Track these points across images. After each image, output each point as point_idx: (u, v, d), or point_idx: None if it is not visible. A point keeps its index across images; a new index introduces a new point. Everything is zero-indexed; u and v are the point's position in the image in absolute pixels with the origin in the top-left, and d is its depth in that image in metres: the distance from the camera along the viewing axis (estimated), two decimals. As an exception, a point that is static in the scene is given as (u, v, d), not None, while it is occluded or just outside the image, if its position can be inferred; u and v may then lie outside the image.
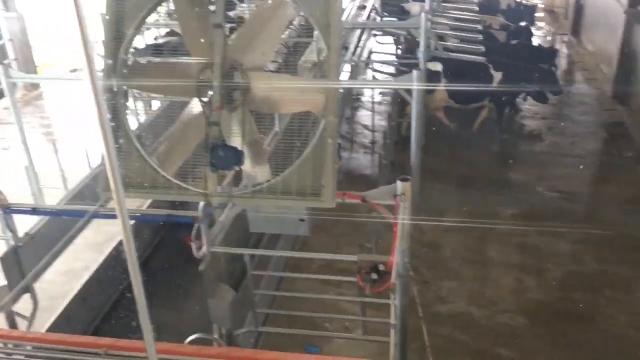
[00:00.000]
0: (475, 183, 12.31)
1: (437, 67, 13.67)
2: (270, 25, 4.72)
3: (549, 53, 15.10)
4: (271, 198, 4.76)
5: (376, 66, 15.15)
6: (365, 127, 14.70)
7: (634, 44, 14.87)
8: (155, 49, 8.73)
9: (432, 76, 13.49)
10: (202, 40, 4.72)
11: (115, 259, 8.05)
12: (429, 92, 13.47)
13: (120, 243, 6.41)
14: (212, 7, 4.95)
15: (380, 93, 15.97)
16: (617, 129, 14.24)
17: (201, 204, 5.75)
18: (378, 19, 20.45)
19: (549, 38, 21.16)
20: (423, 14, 11.68)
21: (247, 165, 4.79)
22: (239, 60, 4.69)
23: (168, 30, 10.70)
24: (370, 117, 14.48)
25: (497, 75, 13.58)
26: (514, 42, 15.94)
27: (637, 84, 14.47)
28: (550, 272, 9.67)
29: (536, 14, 20.48)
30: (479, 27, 14.81)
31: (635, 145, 13.37)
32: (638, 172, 12.34)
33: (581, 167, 12.84)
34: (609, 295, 9.12)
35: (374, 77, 14.99)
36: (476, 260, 10.00)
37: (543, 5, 23.47)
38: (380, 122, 14.92)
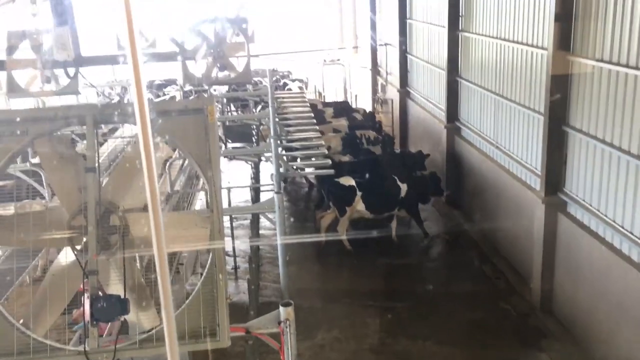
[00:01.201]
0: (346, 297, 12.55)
1: (351, 181, 14.48)
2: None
3: (421, 158, 16.67)
4: (162, 346, 4.40)
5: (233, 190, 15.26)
6: (226, 253, 14.47)
7: (457, 153, 16.74)
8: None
9: (347, 190, 14.19)
10: (72, 184, 4.46)
11: None
12: (343, 209, 14.11)
13: None
14: (79, 149, 4.75)
15: (235, 219, 15.99)
16: (456, 229, 15.57)
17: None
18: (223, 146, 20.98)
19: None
20: (272, 140, 12.25)
21: (131, 313, 4.42)
22: (115, 203, 4.47)
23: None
24: (230, 242, 14.31)
25: (403, 187, 14.72)
26: (396, 152, 17.50)
27: (463, 187, 16.14)
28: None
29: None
30: (325, 150, 15.79)
31: (471, 242, 14.66)
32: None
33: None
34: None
35: (229, 202, 15.03)
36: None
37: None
38: (239, 246, 14.83)
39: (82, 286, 4.27)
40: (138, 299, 4.50)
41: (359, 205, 14.48)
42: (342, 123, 20.38)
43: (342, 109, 22.81)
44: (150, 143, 2.19)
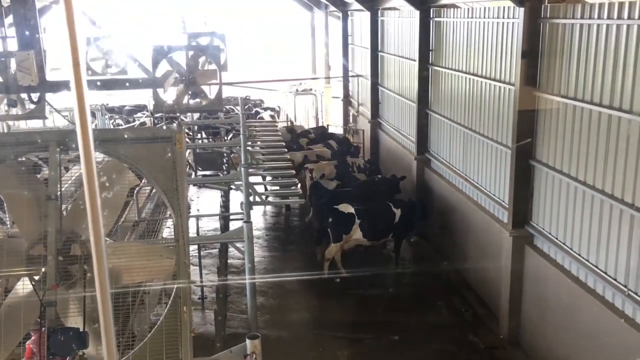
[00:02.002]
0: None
1: (350, 209, 14.48)
2: (110, 192, 4.50)
3: (397, 182, 16.91)
4: (121, 381, 4.24)
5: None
6: (193, 282, 14.21)
7: (426, 184, 16.87)
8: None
9: (346, 218, 14.24)
10: (32, 212, 4.32)
11: None
12: (339, 236, 14.26)
13: None
14: (40, 176, 4.62)
15: (204, 247, 15.76)
16: (425, 260, 15.59)
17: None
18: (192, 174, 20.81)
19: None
20: (242, 168, 12.19)
21: (90, 347, 4.26)
22: (76, 232, 4.34)
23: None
24: (198, 271, 14.05)
25: (397, 212, 14.83)
26: (377, 178, 17.78)
27: (432, 219, 16.21)
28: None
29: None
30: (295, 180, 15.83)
31: (440, 274, 14.68)
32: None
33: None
34: None
35: (197, 231, 14.82)
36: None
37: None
38: (207, 275, 14.59)
39: (38, 319, 4.10)
40: (98, 332, 4.34)
41: (356, 234, 14.50)
42: (324, 149, 20.63)
43: (321, 134, 23.22)
44: (93, 167, 2.13)
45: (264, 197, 12.90)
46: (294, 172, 16.03)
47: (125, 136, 4.45)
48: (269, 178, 15.58)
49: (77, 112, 2.10)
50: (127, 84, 7.29)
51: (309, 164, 18.63)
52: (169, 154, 4.46)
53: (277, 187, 14.61)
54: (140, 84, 7.36)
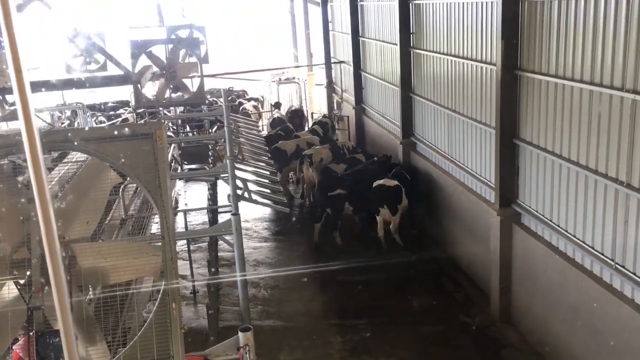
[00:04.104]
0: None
1: (393, 182, 15.13)
2: (92, 192, 4.45)
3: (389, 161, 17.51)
4: (113, 381, 4.22)
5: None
6: (183, 277, 14.18)
7: (413, 168, 16.90)
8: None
9: (394, 190, 15.04)
10: (13, 216, 4.27)
11: None
12: (395, 208, 15.06)
13: None
14: (22, 179, 4.56)
15: (194, 241, 15.72)
16: (413, 243, 15.66)
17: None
18: (179, 168, 20.71)
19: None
20: (228, 160, 12.12)
21: (80, 349, 4.23)
22: (60, 233, 4.28)
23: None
24: (188, 266, 14.02)
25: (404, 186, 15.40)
26: (375, 159, 18.10)
27: (420, 202, 16.27)
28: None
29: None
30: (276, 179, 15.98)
31: (429, 256, 14.78)
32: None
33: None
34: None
35: (186, 225, 14.77)
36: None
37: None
38: (198, 269, 14.57)
39: (25, 322, 4.06)
40: (87, 334, 4.32)
41: (404, 203, 15.18)
42: (312, 136, 20.89)
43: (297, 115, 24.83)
44: (42, 172, 2.10)
45: (246, 194, 12.83)
46: (278, 179, 16.14)
47: (104, 134, 4.39)
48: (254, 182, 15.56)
49: (22, 118, 2.06)
50: (104, 82, 7.20)
51: (306, 151, 18.70)
52: (150, 151, 4.41)
53: (265, 190, 14.51)
54: (116, 80, 7.27)
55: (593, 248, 8.98)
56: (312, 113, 29.76)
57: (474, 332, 11.53)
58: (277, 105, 27.88)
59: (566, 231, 9.66)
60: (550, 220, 10.10)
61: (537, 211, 10.54)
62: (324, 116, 25.13)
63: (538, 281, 10.45)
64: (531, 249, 10.63)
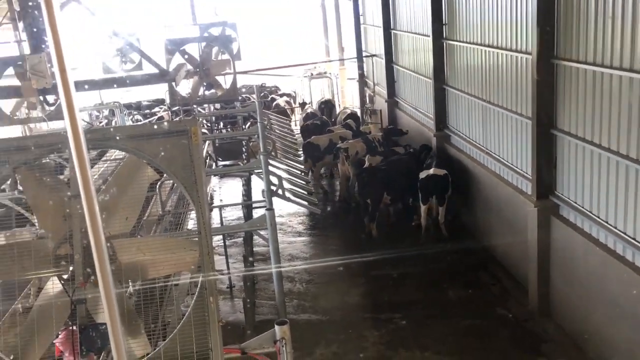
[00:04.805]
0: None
1: (442, 171, 15.21)
2: (131, 189, 4.55)
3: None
4: (154, 373, 4.32)
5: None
6: (220, 272, 14.36)
7: (447, 158, 16.71)
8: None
9: (443, 179, 15.11)
10: (56, 212, 4.39)
11: None
12: (443, 198, 15.17)
13: None
14: (63, 176, 4.69)
15: (230, 236, 15.90)
16: (449, 236, 15.52)
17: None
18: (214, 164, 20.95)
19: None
20: (262, 156, 12.21)
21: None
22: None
23: None
24: (224, 261, 14.20)
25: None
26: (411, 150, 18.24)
27: (455, 194, 16.11)
28: None
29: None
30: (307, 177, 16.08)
31: (465, 248, 14.63)
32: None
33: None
34: None
35: (221, 221, 14.95)
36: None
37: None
38: (234, 264, 14.74)
39: (69, 316, 4.19)
40: (128, 327, 4.43)
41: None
42: (345, 130, 20.95)
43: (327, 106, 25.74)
44: (87, 170, 2.16)
45: (280, 191, 12.90)
46: (309, 179, 16.19)
47: (141, 132, 4.48)
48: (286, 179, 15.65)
49: (67, 117, 2.12)
50: (141, 81, 7.33)
51: (341, 144, 18.74)
52: (186, 147, 4.48)
53: (298, 189, 14.56)
54: (152, 79, 7.40)
55: (635, 239, 8.76)
56: (344, 107, 29.74)
57: (512, 325, 11.39)
58: (303, 106, 28.00)
59: (607, 222, 9.44)
60: (590, 212, 9.89)
61: (576, 202, 10.33)
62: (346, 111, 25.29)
63: (577, 273, 10.25)
64: (570, 240, 10.42)
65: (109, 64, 12.20)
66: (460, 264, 14.02)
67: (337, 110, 27.32)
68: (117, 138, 4.51)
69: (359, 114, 25.43)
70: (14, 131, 13.55)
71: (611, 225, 9.32)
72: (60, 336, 4.34)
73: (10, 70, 9.02)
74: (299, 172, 15.63)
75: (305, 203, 13.72)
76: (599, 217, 9.65)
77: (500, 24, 12.73)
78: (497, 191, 13.55)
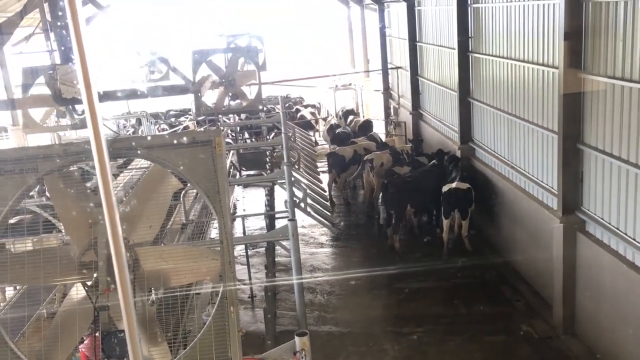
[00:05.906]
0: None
1: (466, 185, 15.10)
2: (155, 197, 4.60)
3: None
4: (174, 381, 4.34)
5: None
6: (241, 281, 14.41)
7: (471, 172, 16.58)
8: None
9: (465, 194, 14.97)
10: (81, 220, 4.46)
11: None
12: (466, 211, 15.05)
13: None
14: (89, 184, 4.77)
15: (252, 246, 15.95)
16: (473, 250, 15.36)
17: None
18: (237, 174, 21.09)
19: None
20: (285, 166, 12.26)
21: (143, 349, 4.37)
22: (125, 237, 4.45)
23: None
24: (246, 270, 14.23)
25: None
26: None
27: (479, 208, 15.96)
28: None
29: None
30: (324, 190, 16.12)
31: (489, 263, 14.45)
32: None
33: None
34: None
35: (244, 230, 15.02)
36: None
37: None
38: (256, 274, 14.77)
39: (91, 323, 4.24)
40: (149, 334, 4.46)
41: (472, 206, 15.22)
42: (369, 142, 21.03)
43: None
44: (109, 180, 2.20)
45: (302, 204, 12.93)
46: (328, 200, 16.20)
47: (165, 142, 4.53)
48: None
49: (91, 129, 2.16)
50: (167, 91, 7.44)
51: (367, 156, 18.74)
52: (209, 157, 4.52)
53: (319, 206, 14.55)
54: (178, 90, 7.51)
55: (664, 257, 8.57)
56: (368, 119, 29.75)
57: (536, 343, 11.19)
58: (325, 119, 28.26)
59: (634, 239, 9.25)
60: (617, 228, 9.70)
61: (603, 219, 10.15)
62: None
63: (604, 291, 10.04)
64: (596, 257, 10.23)
65: (137, 74, 12.43)
66: (483, 278, 13.86)
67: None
68: (142, 147, 4.58)
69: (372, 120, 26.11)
70: (43, 139, 13.84)
71: (639, 243, 9.13)
72: (85, 342, 4.39)
73: (41, 79, 9.24)
74: (320, 190, 15.66)
75: (325, 221, 13.73)
76: (626, 234, 9.47)
77: (527, 37, 12.64)
78: (522, 206, 13.38)
